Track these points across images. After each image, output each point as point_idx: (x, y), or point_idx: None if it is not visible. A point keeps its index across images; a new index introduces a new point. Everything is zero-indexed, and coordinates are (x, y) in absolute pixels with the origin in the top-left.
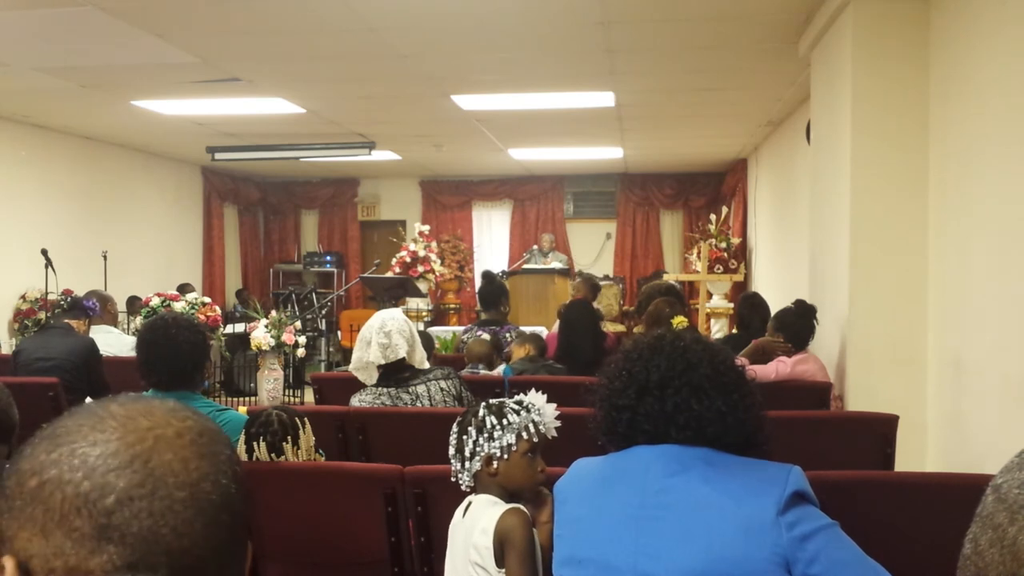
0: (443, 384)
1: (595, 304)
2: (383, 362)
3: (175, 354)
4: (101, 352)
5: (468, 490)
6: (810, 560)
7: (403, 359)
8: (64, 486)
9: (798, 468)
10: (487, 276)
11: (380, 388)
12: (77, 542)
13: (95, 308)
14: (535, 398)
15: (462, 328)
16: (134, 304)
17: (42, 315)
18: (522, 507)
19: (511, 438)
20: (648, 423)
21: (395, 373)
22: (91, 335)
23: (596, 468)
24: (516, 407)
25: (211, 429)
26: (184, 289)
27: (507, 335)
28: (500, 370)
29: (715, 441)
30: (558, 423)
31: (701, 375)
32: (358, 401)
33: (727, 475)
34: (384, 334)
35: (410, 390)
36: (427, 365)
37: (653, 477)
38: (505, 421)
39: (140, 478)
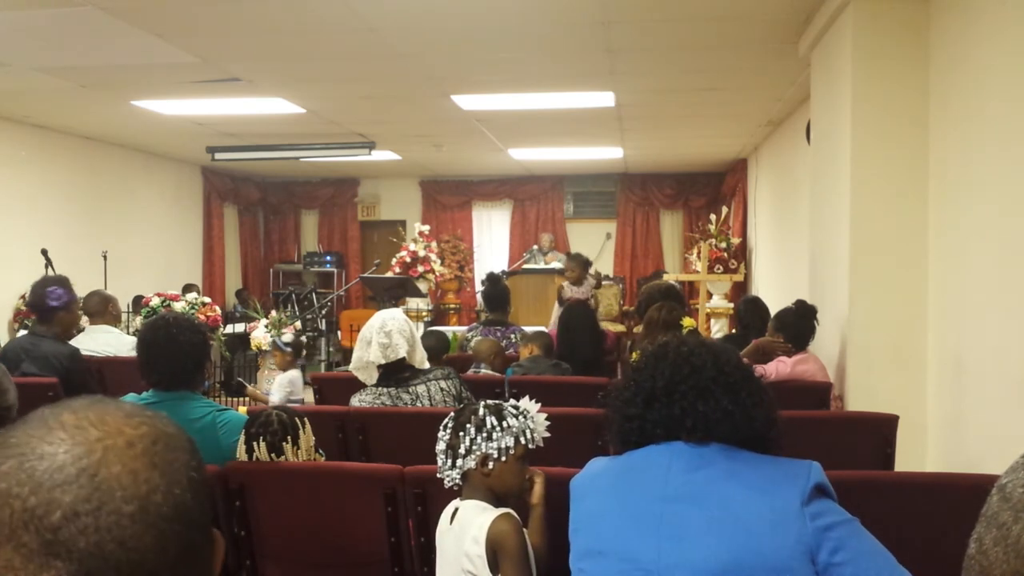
0: (443, 384)
1: (590, 279)
2: (383, 362)
3: (176, 354)
4: (101, 352)
5: (455, 488)
6: (834, 549)
7: (403, 359)
8: (12, 500)
9: (817, 463)
10: (492, 278)
11: (380, 388)
12: (25, 557)
13: (60, 297)
14: (529, 406)
15: (464, 328)
16: (139, 304)
17: None
18: (512, 512)
19: (510, 441)
20: (659, 428)
21: (395, 373)
22: (91, 335)
23: (614, 464)
24: (514, 411)
25: (167, 434)
26: (188, 290)
27: (512, 336)
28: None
29: (727, 439)
30: (547, 434)
31: (706, 378)
32: (358, 401)
33: (749, 469)
34: (384, 334)
35: (410, 390)
36: (427, 365)
37: (675, 472)
38: (505, 424)
39: (86, 493)
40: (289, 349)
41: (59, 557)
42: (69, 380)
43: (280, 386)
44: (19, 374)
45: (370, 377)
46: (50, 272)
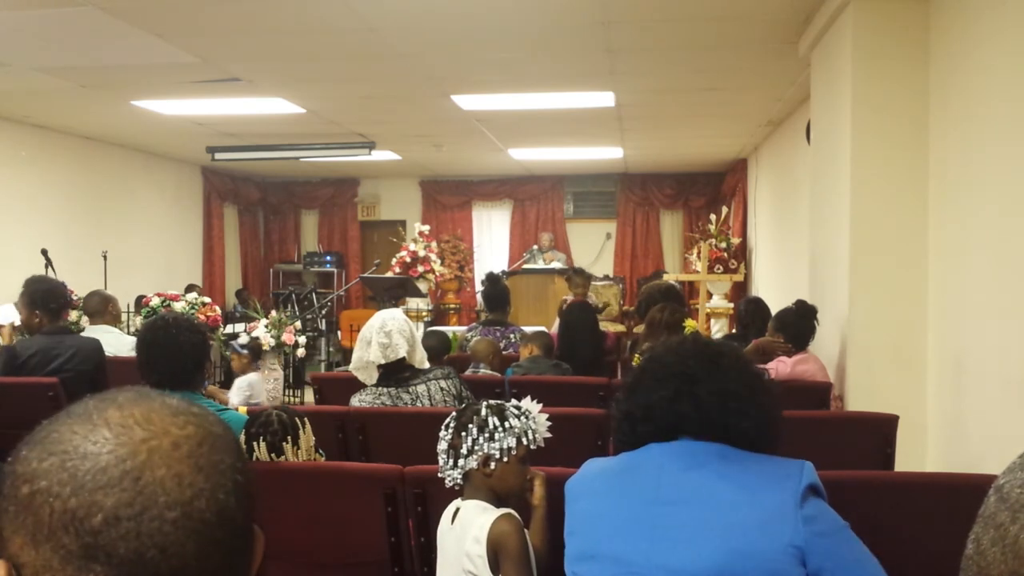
0: (443, 384)
1: (592, 297)
2: (383, 362)
3: (176, 354)
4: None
5: (456, 488)
6: (826, 555)
7: (403, 359)
8: (53, 500)
9: (810, 463)
10: (492, 278)
11: (380, 388)
12: (64, 559)
13: (65, 287)
14: (530, 406)
15: (464, 328)
16: (141, 304)
17: None
18: (513, 512)
19: (511, 441)
20: (625, 423)
21: (395, 373)
22: (91, 335)
23: (609, 466)
24: (516, 411)
25: (214, 434)
26: (190, 290)
27: (512, 336)
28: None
29: (675, 431)
30: (549, 435)
31: (668, 372)
32: (358, 401)
33: (741, 469)
34: (384, 334)
35: (410, 390)
36: (427, 365)
37: (667, 472)
38: (507, 424)
39: (129, 497)
40: (246, 351)
41: (98, 561)
42: (102, 372)
43: (239, 389)
44: (49, 372)
45: (370, 377)
46: (50, 272)
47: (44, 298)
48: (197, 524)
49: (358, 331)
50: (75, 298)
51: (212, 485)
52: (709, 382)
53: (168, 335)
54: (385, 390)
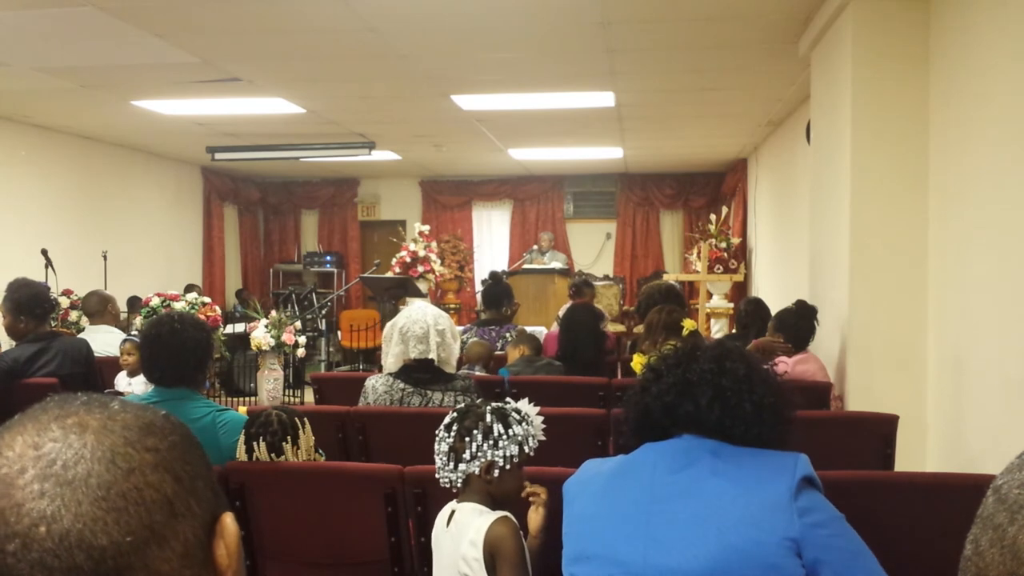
0: (459, 397)
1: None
2: (437, 363)
3: (178, 351)
4: (100, 352)
5: (453, 491)
6: (822, 547)
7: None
8: None
9: (804, 455)
10: (494, 276)
11: (395, 381)
12: None
13: (48, 291)
14: (528, 408)
15: (461, 328)
16: (135, 304)
17: None
18: (510, 516)
19: (515, 449)
20: (629, 425)
21: (415, 371)
22: (90, 335)
23: (605, 467)
24: (517, 417)
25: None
26: (190, 290)
27: (507, 335)
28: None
29: (676, 429)
30: (544, 437)
31: (662, 368)
32: (371, 386)
33: (734, 465)
34: (438, 332)
35: (425, 394)
36: (452, 367)
37: (661, 472)
38: (511, 432)
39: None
40: None
41: None
42: (93, 372)
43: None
44: (46, 374)
45: (393, 368)
46: (51, 272)
47: (29, 303)
48: (37, 554)
49: (358, 331)
50: (75, 298)
51: (55, 510)
52: (711, 381)
53: (172, 330)
54: (401, 386)
